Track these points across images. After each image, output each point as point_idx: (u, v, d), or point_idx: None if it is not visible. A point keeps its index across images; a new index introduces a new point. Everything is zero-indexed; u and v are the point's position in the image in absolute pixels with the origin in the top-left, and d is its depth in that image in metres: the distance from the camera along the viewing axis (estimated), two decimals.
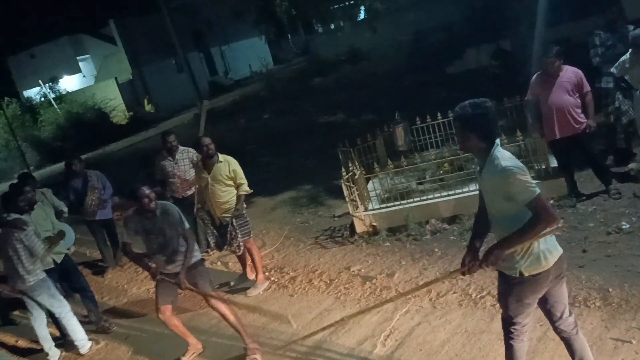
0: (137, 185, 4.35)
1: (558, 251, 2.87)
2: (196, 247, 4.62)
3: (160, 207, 4.38)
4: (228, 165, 5.49)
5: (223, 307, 4.43)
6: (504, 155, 2.76)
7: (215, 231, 5.66)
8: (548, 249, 2.81)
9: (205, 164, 5.55)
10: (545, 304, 2.98)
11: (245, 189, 5.55)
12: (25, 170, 15.76)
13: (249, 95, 20.47)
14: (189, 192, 6.54)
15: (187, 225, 4.45)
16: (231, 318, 4.43)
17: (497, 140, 2.82)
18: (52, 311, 5.08)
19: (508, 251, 2.77)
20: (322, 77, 19.07)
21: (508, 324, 3.00)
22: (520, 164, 2.75)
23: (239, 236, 5.47)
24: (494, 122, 2.83)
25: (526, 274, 2.81)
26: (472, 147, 2.85)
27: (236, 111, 17.59)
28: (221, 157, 5.53)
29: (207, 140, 5.50)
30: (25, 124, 22.92)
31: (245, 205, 5.68)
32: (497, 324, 3.63)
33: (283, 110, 15.08)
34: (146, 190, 4.28)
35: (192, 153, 6.51)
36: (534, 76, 5.67)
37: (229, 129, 15.30)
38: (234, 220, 5.45)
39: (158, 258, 4.48)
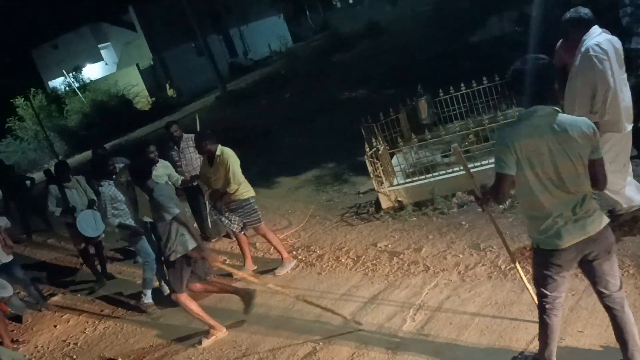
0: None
1: (584, 232, 2.71)
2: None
3: None
4: (226, 157, 5.41)
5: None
6: (514, 121, 2.78)
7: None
8: (568, 229, 2.70)
9: (205, 157, 5.62)
10: (590, 279, 2.91)
11: (232, 186, 5.40)
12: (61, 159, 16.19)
13: (269, 75, 20.39)
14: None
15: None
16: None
17: (535, 107, 2.67)
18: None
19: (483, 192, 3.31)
20: (342, 53, 18.86)
21: (540, 296, 2.96)
22: (514, 139, 2.66)
23: (232, 223, 5.52)
24: (538, 82, 2.68)
25: (541, 247, 2.80)
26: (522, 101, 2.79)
27: (257, 92, 17.57)
28: (219, 150, 5.45)
29: (198, 138, 5.60)
30: (52, 114, 23.39)
31: (253, 194, 5.60)
32: (528, 295, 3.59)
33: (304, 89, 15.01)
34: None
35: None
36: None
37: (251, 110, 15.32)
38: (228, 207, 5.52)
39: None
